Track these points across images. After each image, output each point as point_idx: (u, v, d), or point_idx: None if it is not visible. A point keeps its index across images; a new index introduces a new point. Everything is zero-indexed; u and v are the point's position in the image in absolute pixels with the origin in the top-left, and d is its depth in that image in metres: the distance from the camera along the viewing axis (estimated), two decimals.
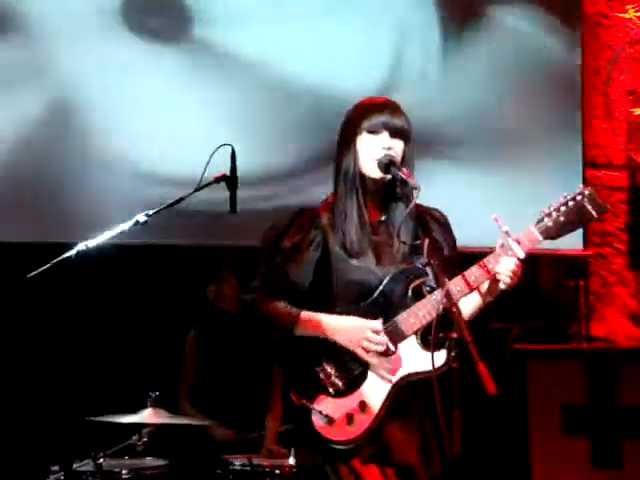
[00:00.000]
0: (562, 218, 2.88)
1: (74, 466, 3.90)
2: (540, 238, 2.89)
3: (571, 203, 2.87)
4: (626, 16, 5.53)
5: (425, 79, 5.12)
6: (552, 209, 2.89)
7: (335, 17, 5.04)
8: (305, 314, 2.90)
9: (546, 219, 2.89)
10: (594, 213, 2.86)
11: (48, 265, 3.16)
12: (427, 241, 2.78)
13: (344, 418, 2.84)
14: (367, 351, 2.85)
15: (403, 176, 2.87)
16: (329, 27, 5.03)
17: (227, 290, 4.71)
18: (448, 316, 2.70)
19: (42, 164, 4.78)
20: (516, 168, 5.17)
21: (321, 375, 2.87)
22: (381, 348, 2.85)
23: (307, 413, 2.86)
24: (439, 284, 2.80)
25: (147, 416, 4.03)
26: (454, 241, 3.04)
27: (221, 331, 4.73)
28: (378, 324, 2.87)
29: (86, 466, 3.95)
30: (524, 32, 5.28)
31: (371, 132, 2.92)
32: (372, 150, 2.92)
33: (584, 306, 5.45)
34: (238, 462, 4.14)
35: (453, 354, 2.66)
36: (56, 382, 4.74)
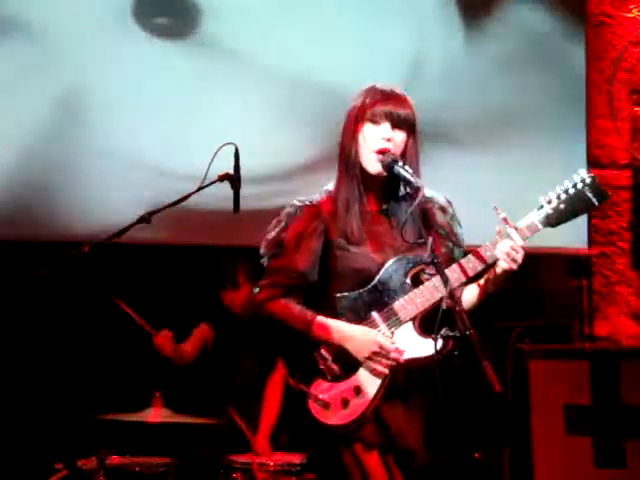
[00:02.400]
0: (562, 206, 2.86)
1: (78, 464, 3.91)
2: (540, 226, 2.88)
3: (572, 191, 2.86)
4: (630, 15, 5.53)
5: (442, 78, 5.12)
6: (553, 197, 2.87)
7: (352, 13, 5.05)
8: (320, 320, 2.90)
9: (546, 206, 2.87)
10: (595, 201, 2.84)
11: (56, 263, 3.16)
12: (431, 239, 2.78)
13: (339, 402, 2.86)
14: (374, 364, 2.86)
15: (407, 176, 2.86)
16: (347, 23, 5.04)
17: (242, 298, 4.67)
18: (452, 314, 2.70)
19: (47, 162, 4.79)
20: (520, 168, 5.17)
21: (318, 360, 2.88)
22: (389, 363, 2.85)
23: (304, 398, 2.87)
24: (444, 282, 2.78)
25: (151, 415, 4.04)
26: (459, 227, 3.04)
27: (232, 332, 4.72)
28: (388, 340, 2.87)
29: (90, 464, 3.96)
30: (529, 32, 5.28)
31: (373, 122, 2.92)
32: (372, 141, 2.91)
33: (587, 305, 5.45)
34: (241, 461, 4.15)
35: (457, 354, 2.67)
36: (61, 380, 4.75)
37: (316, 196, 3.00)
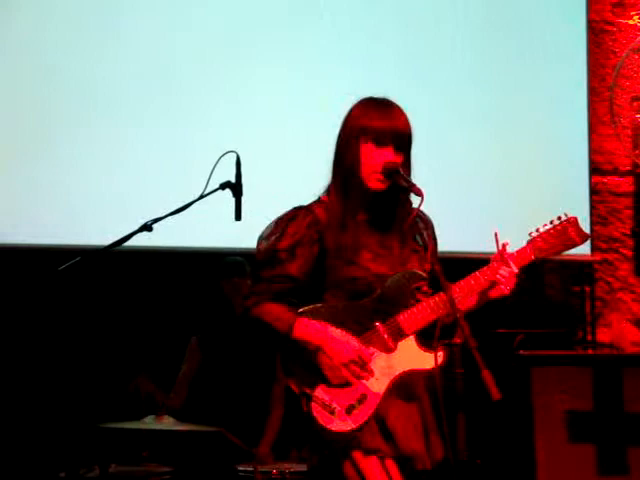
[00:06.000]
0: (551, 241, 3.00)
1: (80, 472, 3.92)
2: (532, 257, 3.00)
3: (559, 228, 3.01)
4: (631, 22, 5.54)
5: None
6: (541, 232, 3.01)
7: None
8: (302, 320, 2.91)
9: (537, 240, 3.01)
10: (578, 240, 3.02)
11: (58, 271, 3.17)
12: (431, 247, 2.81)
13: (344, 409, 2.87)
14: (347, 371, 2.88)
15: (408, 184, 2.91)
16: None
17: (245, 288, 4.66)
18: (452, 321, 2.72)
19: (49, 167, 4.81)
20: (521, 174, 5.17)
21: (324, 365, 2.88)
22: (361, 375, 2.88)
23: (307, 401, 2.88)
24: (444, 290, 2.84)
25: (153, 423, 4.04)
26: (436, 245, 3.11)
27: (223, 338, 4.72)
28: (368, 354, 2.89)
29: (92, 473, 3.96)
30: (529, 39, 5.29)
31: (378, 143, 2.94)
32: (376, 162, 2.94)
33: (590, 312, 5.45)
34: (244, 469, 4.15)
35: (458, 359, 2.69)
36: (63, 389, 4.75)
37: (311, 203, 3.02)
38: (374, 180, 2.95)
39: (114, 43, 4.89)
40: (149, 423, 4.05)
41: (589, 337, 5.40)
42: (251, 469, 4.11)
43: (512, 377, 4.66)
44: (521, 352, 4.82)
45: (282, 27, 5.03)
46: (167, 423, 4.08)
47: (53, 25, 4.84)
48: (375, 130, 2.94)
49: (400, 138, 2.94)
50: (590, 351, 5.30)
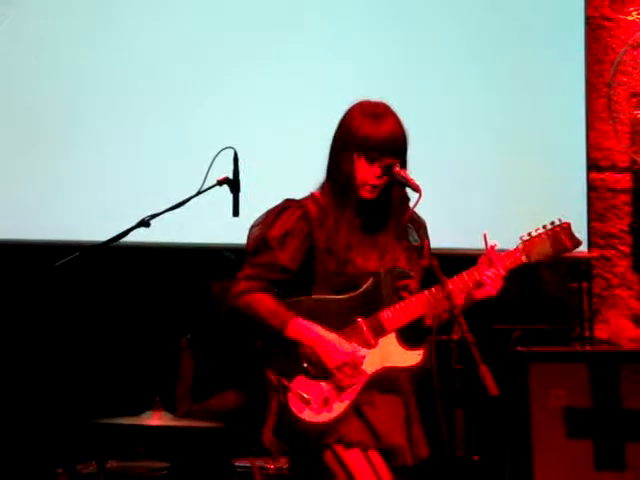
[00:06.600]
0: (541, 245, 3.01)
1: (77, 468, 3.92)
2: (523, 259, 3.00)
3: (550, 233, 3.02)
4: (629, 18, 5.53)
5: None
6: (533, 235, 3.02)
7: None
8: (297, 320, 2.91)
9: (527, 244, 3.01)
10: (570, 245, 3.03)
11: (56, 266, 3.17)
12: (427, 243, 2.83)
13: (320, 401, 2.89)
14: (340, 374, 2.89)
15: (405, 180, 2.92)
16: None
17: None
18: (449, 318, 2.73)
19: (46, 163, 4.81)
20: (519, 172, 5.18)
21: (302, 357, 2.90)
22: (353, 378, 2.90)
23: (285, 392, 2.89)
24: (441, 285, 2.86)
25: (150, 418, 4.04)
26: (429, 245, 3.11)
27: (214, 336, 4.72)
28: (361, 355, 2.91)
29: (90, 468, 3.97)
30: (527, 35, 5.29)
31: (370, 159, 2.95)
32: (368, 176, 2.96)
33: (587, 308, 5.45)
34: (241, 465, 4.15)
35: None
36: (60, 385, 4.76)
37: (303, 197, 3.04)
38: (366, 192, 2.97)
39: (112, 42, 4.89)
40: (146, 419, 4.05)
41: (587, 333, 5.41)
42: (248, 465, 4.12)
43: (510, 373, 4.67)
44: (519, 348, 4.83)
45: (281, 26, 5.03)
46: (164, 419, 4.08)
47: (52, 23, 4.84)
48: (369, 145, 2.95)
49: (394, 147, 2.96)
50: (588, 347, 5.30)
